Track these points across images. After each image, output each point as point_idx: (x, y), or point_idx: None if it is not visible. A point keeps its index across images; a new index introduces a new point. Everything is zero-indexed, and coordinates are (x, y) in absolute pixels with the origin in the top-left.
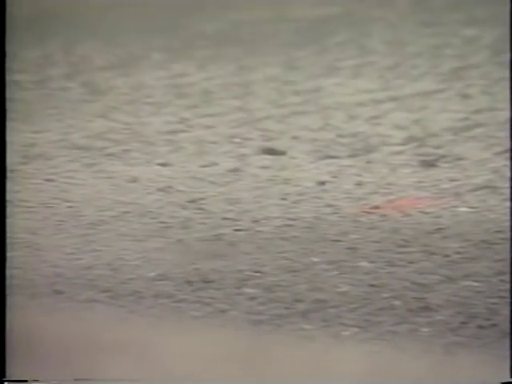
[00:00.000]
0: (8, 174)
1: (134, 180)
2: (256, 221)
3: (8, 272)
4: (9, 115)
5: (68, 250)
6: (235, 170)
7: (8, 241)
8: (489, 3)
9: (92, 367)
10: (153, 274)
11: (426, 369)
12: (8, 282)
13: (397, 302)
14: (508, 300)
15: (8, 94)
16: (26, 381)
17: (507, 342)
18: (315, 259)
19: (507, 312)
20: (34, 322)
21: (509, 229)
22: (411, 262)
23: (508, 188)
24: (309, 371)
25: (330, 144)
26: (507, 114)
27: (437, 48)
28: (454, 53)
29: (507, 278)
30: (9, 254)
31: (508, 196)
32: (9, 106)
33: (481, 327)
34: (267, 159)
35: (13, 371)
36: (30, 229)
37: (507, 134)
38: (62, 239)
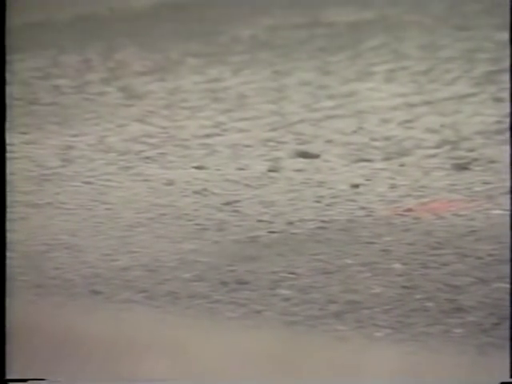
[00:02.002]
0: (48, 177)
1: (171, 183)
2: (290, 223)
3: (48, 273)
4: (48, 119)
5: (106, 251)
6: (270, 173)
7: (48, 242)
8: None
9: (130, 366)
10: (189, 276)
11: (459, 369)
12: (48, 282)
13: (430, 304)
14: None
15: (48, 99)
16: (25, 380)
17: None
18: (349, 261)
19: None
20: (73, 321)
21: None
22: (444, 264)
23: None
24: (342, 371)
25: (364, 147)
26: None
27: (470, 52)
28: (487, 57)
29: None
30: (49, 255)
31: None
32: (49, 110)
33: None
34: (301, 162)
35: (59, 369)
36: (69, 230)
37: None
38: (100, 241)
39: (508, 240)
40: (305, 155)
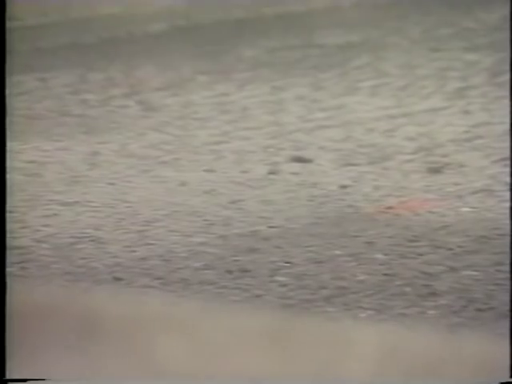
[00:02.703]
0: (77, 179)
1: (183, 184)
2: (287, 219)
3: (76, 262)
4: (78, 129)
5: (126, 243)
6: (269, 176)
7: (76, 235)
8: (488, 32)
9: (146, 340)
10: (198, 265)
11: (432, 345)
12: (76, 270)
13: (407, 289)
14: (505, 287)
15: (77, 111)
16: (25, 380)
17: (503, 323)
18: (338, 252)
19: (503, 297)
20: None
21: (506, 226)
22: (420, 255)
23: (504, 191)
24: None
25: (351, 153)
26: (503, 127)
27: (442, 71)
28: (457, 75)
29: (503, 268)
30: (77, 247)
31: (504, 198)
32: (78, 120)
33: (479, 310)
34: (297, 166)
35: (86, 342)
36: (95, 225)
37: (503, 144)
38: (121, 234)
39: (475, 234)
40: (300, 160)
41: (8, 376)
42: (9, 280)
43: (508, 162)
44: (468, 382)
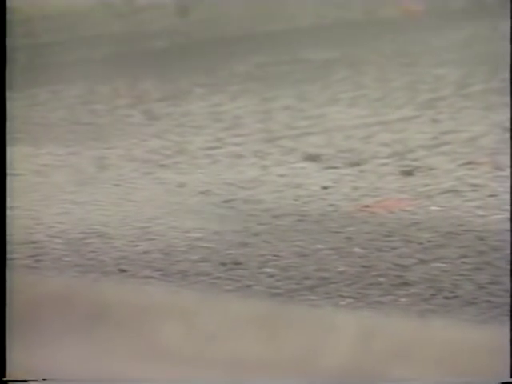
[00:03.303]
0: (86, 180)
1: (182, 185)
2: (275, 217)
3: (86, 255)
4: (87, 135)
5: (130, 238)
6: (259, 178)
7: (85, 231)
8: (455, 49)
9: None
10: (195, 258)
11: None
12: (86, 262)
13: (382, 279)
14: (469, 277)
15: (86, 120)
16: (26, 381)
17: (468, 309)
18: (320, 246)
19: (467, 286)
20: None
21: (471, 223)
22: (393, 248)
23: (468, 191)
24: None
25: (332, 157)
26: (468, 134)
27: (413, 84)
28: (427, 88)
29: (468, 260)
30: (86, 241)
31: (469, 198)
32: (87, 128)
33: (447, 298)
34: (284, 169)
35: (94, 326)
36: (102, 222)
37: (468, 150)
38: (126, 230)
39: (443, 230)
40: (286, 163)
41: (8, 377)
42: (24, 271)
43: (472, 166)
44: (468, 382)
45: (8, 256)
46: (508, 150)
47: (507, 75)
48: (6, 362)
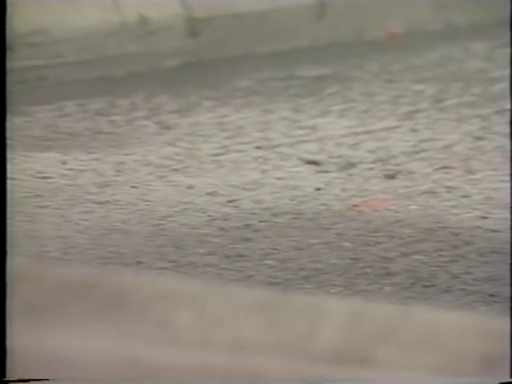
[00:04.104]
0: (107, 183)
1: (191, 187)
2: (274, 215)
3: (107, 249)
4: (108, 143)
5: (146, 234)
6: (260, 180)
7: (107, 228)
8: (431, 67)
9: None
10: (203, 251)
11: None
12: (108, 255)
13: (368, 270)
14: (445, 268)
15: (108, 129)
16: (26, 381)
17: (444, 296)
18: (314, 241)
19: (443, 276)
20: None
21: (447, 220)
22: (378, 243)
23: (444, 192)
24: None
25: (324, 162)
26: (443, 142)
27: (395, 98)
28: (407, 101)
29: (444, 253)
30: (108, 237)
31: (444, 198)
32: (108, 137)
33: (425, 286)
34: (281, 173)
35: (114, 311)
36: (122, 220)
37: (443, 156)
38: (143, 227)
39: (421, 226)
40: (284, 168)
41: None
42: (53, 263)
43: (447, 170)
44: (468, 382)
45: (39, 249)
46: (478, 157)
47: (478, 91)
48: (6, 362)
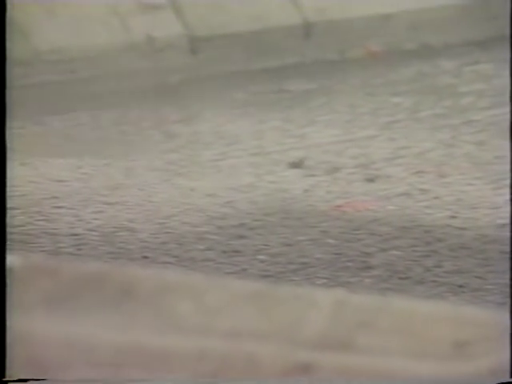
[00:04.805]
0: (117, 186)
1: (193, 189)
2: (266, 214)
3: (116, 245)
4: (118, 150)
5: (152, 231)
6: (254, 184)
7: (116, 226)
8: (408, 82)
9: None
10: (203, 247)
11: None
12: (116, 250)
13: (350, 264)
14: (419, 262)
15: (117, 138)
16: (26, 380)
17: (418, 287)
18: (301, 238)
19: (417, 269)
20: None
21: (421, 219)
22: (359, 240)
23: (418, 194)
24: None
25: (312, 167)
26: (418, 149)
27: (376, 110)
28: (386, 112)
29: (418, 248)
30: (116, 234)
31: (418, 199)
32: (117, 144)
33: (401, 278)
34: (273, 177)
35: (122, 307)
36: (129, 219)
37: (418, 162)
38: (149, 225)
39: (398, 224)
40: (275, 172)
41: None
42: (68, 258)
43: (421, 174)
44: (468, 382)
45: (55, 245)
46: (449, 162)
47: (448, 103)
48: (5, 362)
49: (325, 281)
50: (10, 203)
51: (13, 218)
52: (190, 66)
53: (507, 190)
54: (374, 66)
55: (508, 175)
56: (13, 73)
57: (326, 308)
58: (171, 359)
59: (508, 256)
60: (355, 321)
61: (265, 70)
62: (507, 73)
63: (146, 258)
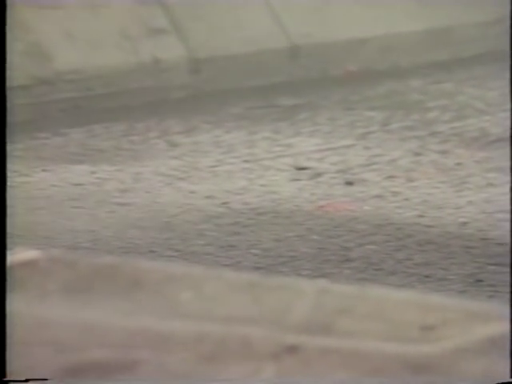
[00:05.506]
0: (126, 189)
1: (193, 192)
2: (258, 214)
3: (126, 241)
4: (128, 157)
5: (158, 229)
6: (247, 187)
7: (126, 224)
8: (380, 99)
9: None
10: (202, 242)
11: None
12: (126, 245)
13: (332, 257)
14: (391, 256)
15: (127, 146)
16: (25, 381)
17: (390, 278)
18: (289, 234)
19: (390, 262)
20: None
21: (393, 218)
22: (340, 236)
23: (390, 196)
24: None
25: (297, 172)
26: (389, 157)
27: (353, 122)
28: (362, 124)
29: (390, 243)
30: (126, 231)
31: (390, 201)
32: (128, 153)
33: (376, 270)
34: (264, 181)
35: (131, 296)
36: (138, 218)
37: (390, 168)
38: (155, 223)
39: (373, 223)
40: (265, 177)
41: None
42: (84, 252)
43: (392, 179)
44: (468, 382)
45: (73, 241)
46: (416, 168)
47: (416, 117)
48: (5, 361)
49: (309, 272)
50: (34, 204)
51: (37, 217)
52: (191, 84)
53: (468, 193)
54: (351, 84)
55: (468, 179)
56: (37, 91)
57: (311, 296)
58: (174, 341)
59: (468, 251)
60: (336, 307)
61: (256, 88)
62: (467, 90)
63: (152, 252)
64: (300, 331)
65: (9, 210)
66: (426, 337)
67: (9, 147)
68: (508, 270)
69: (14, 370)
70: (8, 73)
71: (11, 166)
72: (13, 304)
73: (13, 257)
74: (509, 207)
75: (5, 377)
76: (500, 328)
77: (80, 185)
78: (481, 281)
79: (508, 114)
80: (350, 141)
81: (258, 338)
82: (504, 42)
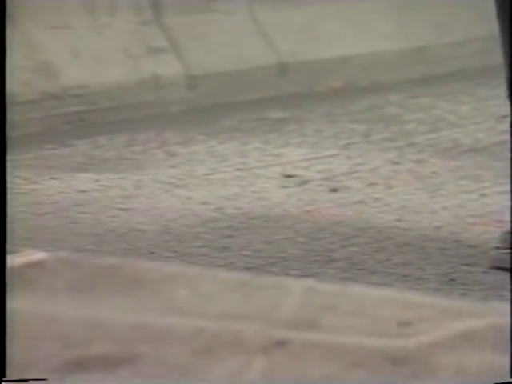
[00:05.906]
0: (128, 195)
1: (190, 198)
2: (250, 218)
3: (131, 243)
4: (130, 166)
5: (157, 232)
6: (239, 193)
7: (128, 228)
8: (360, 114)
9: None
10: (198, 244)
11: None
12: (129, 247)
13: (318, 258)
14: (371, 256)
15: (129, 156)
16: (25, 381)
17: (372, 277)
18: (278, 237)
19: (371, 262)
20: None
21: (375, 222)
22: (325, 238)
23: (372, 202)
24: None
25: (286, 180)
26: (370, 166)
27: (337, 133)
28: (345, 136)
29: (371, 245)
30: (128, 234)
31: (372, 206)
32: (130, 162)
33: (359, 269)
34: (255, 188)
35: (131, 293)
36: (139, 222)
37: (371, 176)
38: (154, 227)
39: (356, 226)
40: (256, 184)
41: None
42: (89, 253)
43: (373, 186)
44: (468, 382)
45: (79, 243)
46: (395, 176)
47: (395, 129)
48: (5, 361)
49: (297, 272)
50: (42, 209)
51: (45, 221)
52: (187, 99)
53: (442, 199)
54: (335, 99)
55: (442, 187)
56: (46, 105)
57: (298, 294)
58: (172, 336)
59: (443, 252)
60: (321, 304)
61: (248, 102)
62: (442, 104)
63: (152, 253)
64: (288, 327)
65: (19, 215)
66: (404, 332)
67: (19, 157)
68: (479, 269)
69: (23, 363)
70: (19, 89)
71: (21, 174)
72: (22, 302)
73: (22, 258)
74: (479, 212)
75: (5, 377)
76: (471, 324)
77: (85, 191)
78: (454, 280)
79: (478, 126)
80: (334, 151)
81: (249, 333)
82: (475, 60)
